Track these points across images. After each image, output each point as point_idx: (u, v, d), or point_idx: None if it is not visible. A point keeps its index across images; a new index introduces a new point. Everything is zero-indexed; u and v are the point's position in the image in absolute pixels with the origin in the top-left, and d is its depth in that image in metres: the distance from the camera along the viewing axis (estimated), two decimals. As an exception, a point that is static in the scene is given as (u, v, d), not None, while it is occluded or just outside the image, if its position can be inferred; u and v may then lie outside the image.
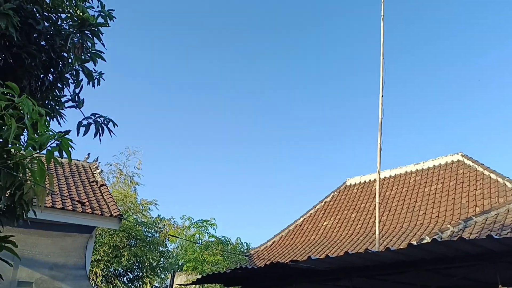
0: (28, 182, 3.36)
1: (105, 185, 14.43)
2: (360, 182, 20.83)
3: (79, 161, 16.04)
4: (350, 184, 21.23)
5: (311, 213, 20.46)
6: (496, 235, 6.45)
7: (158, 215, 25.06)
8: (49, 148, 3.23)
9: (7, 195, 3.46)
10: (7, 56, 4.18)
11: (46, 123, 3.41)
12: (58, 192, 11.98)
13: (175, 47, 54.79)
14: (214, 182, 57.41)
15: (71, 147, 3.40)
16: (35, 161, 3.27)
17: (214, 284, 16.18)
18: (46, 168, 3.30)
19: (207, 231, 18.12)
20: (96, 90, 5.29)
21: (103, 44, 4.87)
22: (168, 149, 56.33)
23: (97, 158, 16.54)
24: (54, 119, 5.20)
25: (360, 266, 7.99)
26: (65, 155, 3.40)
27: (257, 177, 58.65)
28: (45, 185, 3.38)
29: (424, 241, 11.08)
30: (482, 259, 6.96)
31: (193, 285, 15.67)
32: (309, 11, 51.64)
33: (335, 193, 21.12)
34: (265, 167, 58.31)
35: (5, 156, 3.18)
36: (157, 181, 50.36)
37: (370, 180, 20.31)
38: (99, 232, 18.04)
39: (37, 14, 4.35)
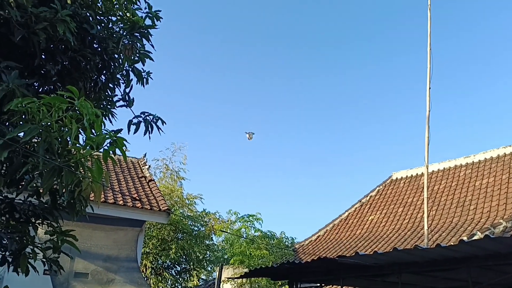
0: (86, 179, 3.54)
1: (153, 180, 14.87)
2: (406, 176, 20.38)
3: (128, 157, 16.61)
4: (396, 178, 20.81)
5: (356, 208, 20.24)
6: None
7: (203, 209, 25.58)
8: (105, 147, 3.40)
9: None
10: (64, 60, 4.40)
11: (102, 124, 3.59)
12: (109, 187, 12.45)
13: (227, 41, 55.29)
14: (258, 177, 57.72)
15: (125, 146, 3.58)
16: (90, 159, 3.45)
17: (260, 277, 16.37)
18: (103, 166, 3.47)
19: (253, 225, 18.31)
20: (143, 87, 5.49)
21: (152, 45, 5.04)
22: (213, 144, 57.13)
23: (145, 154, 17.10)
24: (106, 118, 5.44)
25: (409, 262, 7.85)
26: (118, 152, 3.58)
27: (302, 171, 58.48)
28: (102, 182, 3.56)
29: (476, 237, 10.75)
30: (538, 256, 6.69)
31: (240, 279, 15.90)
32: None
33: (381, 187, 20.77)
34: (311, 161, 58.06)
35: (65, 155, 3.36)
36: (202, 176, 51.24)
37: (417, 174, 19.82)
38: (148, 226, 18.62)
39: (91, 18, 4.55)
